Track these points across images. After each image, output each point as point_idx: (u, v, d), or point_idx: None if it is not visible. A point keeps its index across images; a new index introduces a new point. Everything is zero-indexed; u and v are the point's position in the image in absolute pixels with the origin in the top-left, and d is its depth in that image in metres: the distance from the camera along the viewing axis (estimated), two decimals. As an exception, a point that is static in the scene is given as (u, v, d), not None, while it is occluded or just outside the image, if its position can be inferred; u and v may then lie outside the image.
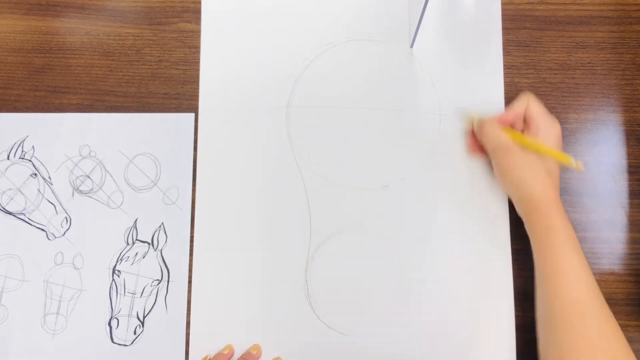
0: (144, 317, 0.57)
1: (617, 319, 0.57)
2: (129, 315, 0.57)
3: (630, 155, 0.60)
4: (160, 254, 0.58)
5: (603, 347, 0.46)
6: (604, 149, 0.60)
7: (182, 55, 0.62)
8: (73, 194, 0.59)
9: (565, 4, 0.62)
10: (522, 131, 0.55)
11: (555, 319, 0.48)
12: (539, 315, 0.51)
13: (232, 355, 0.55)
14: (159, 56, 0.62)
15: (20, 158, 0.60)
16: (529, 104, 0.54)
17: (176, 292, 0.57)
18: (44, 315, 0.57)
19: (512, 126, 0.55)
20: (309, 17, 0.62)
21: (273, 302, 0.57)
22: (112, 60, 0.62)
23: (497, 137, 0.53)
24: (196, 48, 0.62)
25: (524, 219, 0.54)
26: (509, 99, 0.60)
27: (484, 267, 0.57)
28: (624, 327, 0.57)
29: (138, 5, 0.63)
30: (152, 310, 0.57)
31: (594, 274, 0.58)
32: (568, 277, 0.48)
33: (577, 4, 0.62)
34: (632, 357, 0.46)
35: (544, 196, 0.51)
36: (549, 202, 0.50)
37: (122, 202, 0.59)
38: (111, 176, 0.59)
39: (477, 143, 0.58)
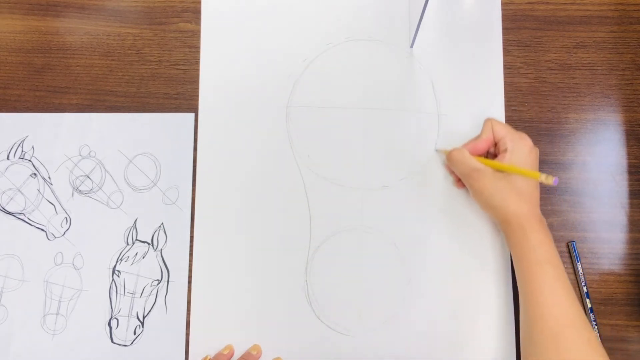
0: (144, 317, 0.57)
1: (617, 319, 0.57)
2: (129, 316, 0.57)
3: (630, 155, 0.60)
4: (160, 254, 0.58)
5: None
6: (604, 149, 0.60)
7: (182, 55, 0.62)
8: (73, 194, 0.59)
9: (565, 4, 0.62)
10: (495, 156, 0.55)
11: (534, 340, 0.48)
12: (521, 332, 0.51)
13: (232, 355, 0.55)
14: (159, 56, 0.62)
15: (20, 158, 0.60)
16: (494, 128, 0.54)
17: (176, 292, 0.57)
18: (44, 315, 0.57)
19: (486, 155, 0.56)
20: (309, 17, 0.62)
21: (273, 302, 0.57)
22: (112, 60, 0.62)
23: (466, 162, 0.53)
24: (196, 48, 0.62)
25: (505, 238, 0.54)
26: (509, 99, 0.60)
27: (484, 267, 0.57)
28: (624, 327, 0.57)
29: (138, 5, 0.63)
30: (152, 310, 0.57)
31: (594, 274, 0.58)
32: (545, 297, 0.48)
33: (577, 4, 0.62)
34: None
35: (518, 216, 0.51)
36: (523, 221, 0.50)
37: (122, 202, 0.59)
38: (111, 176, 0.59)
39: None
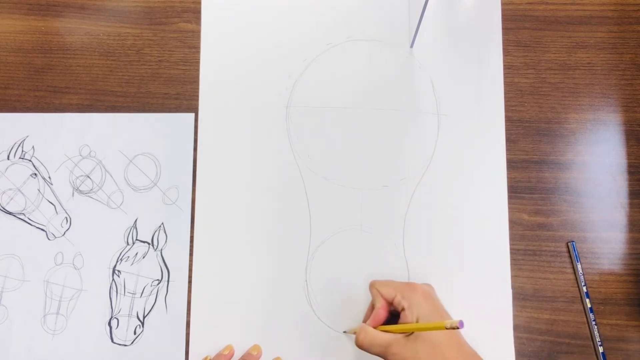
0: (144, 317, 0.57)
1: (617, 319, 0.57)
2: (129, 315, 0.57)
3: (630, 155, 0.60)
4: (160, 254, 0.58)
5: None
6: (604, 149, 0.60)
7: (182, 55, 0.62)
8: (73, 194, 0.59)
9: (565, 4, 0.62)
10: (403, 312, 0.50)
11: None
12: None
13: (232, 355, 0.55)
14: (159, 56, 0.62)
15: (20, 158, 0.60)
16: (381, 292, 0.51)
17: (176, 292, 0.57)
18: (44, 315, 0.57)
19: (392, 317, 0.52)
20: (309, 17, 0.62)
21: (273, 302, 0.57)
22: (112, 60, 0.62)
23: (375, 340, 0.49)
24: (196, 48, 0.62)
25: None
26: (509, 99, 0.60)
27: (483, 267, 0.57)
28: (624, 327, 0.57)
29: (138, 5, 0.63)
30: (152, 310, 0.57)
31: (594, 274, 0.58)
32: None
33: (577, 4, 0.62)
34: None
35: None
36: None
37: (122, 202, 0.59)
38: (111, 176, 0.59)
39: None
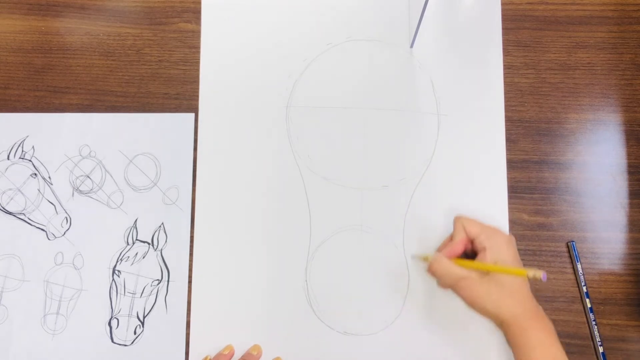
0: (144, 317, 0.57)
1: (617, 319, 0.57)
2: (129, 315, 0.57)
3: (630, 155, 0.60)
4: (160, 254, 0.58)
5: None
6: (604, 149, 0.60)
7: (182, 55, 0.62)
8: (73, 194, 0.59)
9: (565, 4, 0.62)
10: (475, 254, 0.52)
11: None
12: None
13: (232, 355, 0.55)
14: (159, 56, 0.62)
15: (20, 158, 0.60)
16: (466, 228, 0.52)
17: (176, 292, 0.57)
18: (44, 315, 0.57)
19: (465, 255, 0.53)
20: (309, 17, 0.62)
21: (273, 302, 0.57)
22: (112, 60, 0.62)
23: (449, 271, 0.51)
24: (196, 48, 0.62)
25: (505, 339, 0.51)
26: (509, 99, 0.60)
27: (484, 267, 0.57)
28: (623, 327, 0.57)
29: (138, 5, 0.63)
30: (152, 310, 0.57)
31: (594, 274, 0.58)
32: None
33: (577, 4, 0.62)
34: None
35: (515, 317, 0.49)
36: (521, 321, 0.48)
37: (122, 202, 0.59)
38: (111, 176, 0.59)
39: None
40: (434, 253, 0.53)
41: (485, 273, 0.50)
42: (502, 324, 0.50)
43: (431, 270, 0.52)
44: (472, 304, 0.50)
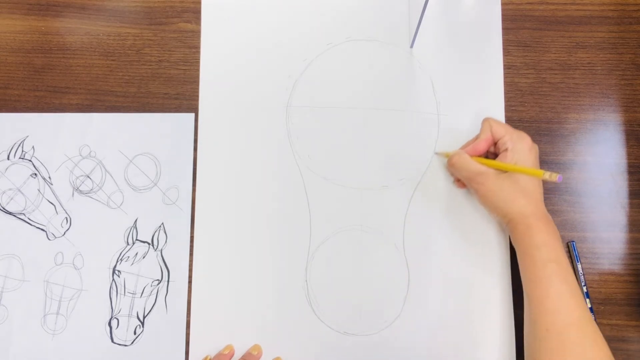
0: (144, 317, 0.57)
1: (617, 319, 0.57)
2: (129, 315, 0.57)
3: (630, 155, 0.60)
4: (160, 254, 0.58)
5: None
6: (604, 149, 0.60)
7: (182, 55, 0.62)
8: (73, 194, 0.59)
9: (565, 4, 0.62)
10: (495, 155, 0.55)
11: (539, 339, 0.47)
12: (525, 331, 0.51)
13: (232, 355, 0.55)
14: (159, 56, 0.62)
15: (20, 158, 0.60)
16: (492, 128, 0.54)
17: (176, 292, 0.57)
18: (44, 315, 0.57)
19: (486, 155, 0.56)
20: (309, 17, 0.62)
21: (273, 302, 0.57)
22: (112, 60, 0.62)
23: (468, 166, 0.53)
24: (196, 48, 0.62)
25: (510, 237, 0.54)
26: (509, 99, 0.60)
27: (484, 266, 0.57)
28: (623, 327, 0.57)
29: (138, 5, 0.63)
30: (152, 310, 0.57)
31: (594, 274, 0.58)
32: (550, 296, 0.48)
33: (577, 4, 0.62)
34: None
35: (524, 216, 0.50)
36: (529, 220, 0.50)
37: (122, 202, 0.59)
38: (111, 176, 0.59)
39: None
40: (455, 150, 0.56)
41: (502, 172, 0.52)
42: (509, 223, 0.52)
43: (451, 163, 0.55)
44: (484, 200, 0.53)
